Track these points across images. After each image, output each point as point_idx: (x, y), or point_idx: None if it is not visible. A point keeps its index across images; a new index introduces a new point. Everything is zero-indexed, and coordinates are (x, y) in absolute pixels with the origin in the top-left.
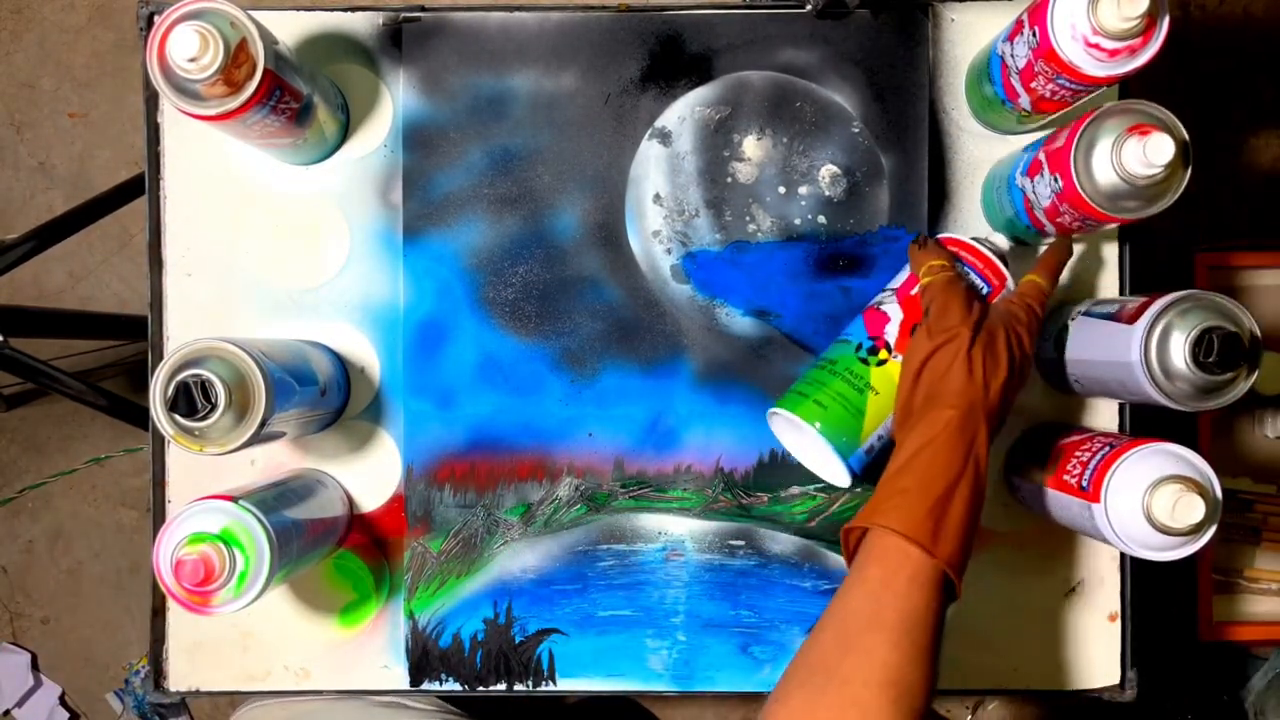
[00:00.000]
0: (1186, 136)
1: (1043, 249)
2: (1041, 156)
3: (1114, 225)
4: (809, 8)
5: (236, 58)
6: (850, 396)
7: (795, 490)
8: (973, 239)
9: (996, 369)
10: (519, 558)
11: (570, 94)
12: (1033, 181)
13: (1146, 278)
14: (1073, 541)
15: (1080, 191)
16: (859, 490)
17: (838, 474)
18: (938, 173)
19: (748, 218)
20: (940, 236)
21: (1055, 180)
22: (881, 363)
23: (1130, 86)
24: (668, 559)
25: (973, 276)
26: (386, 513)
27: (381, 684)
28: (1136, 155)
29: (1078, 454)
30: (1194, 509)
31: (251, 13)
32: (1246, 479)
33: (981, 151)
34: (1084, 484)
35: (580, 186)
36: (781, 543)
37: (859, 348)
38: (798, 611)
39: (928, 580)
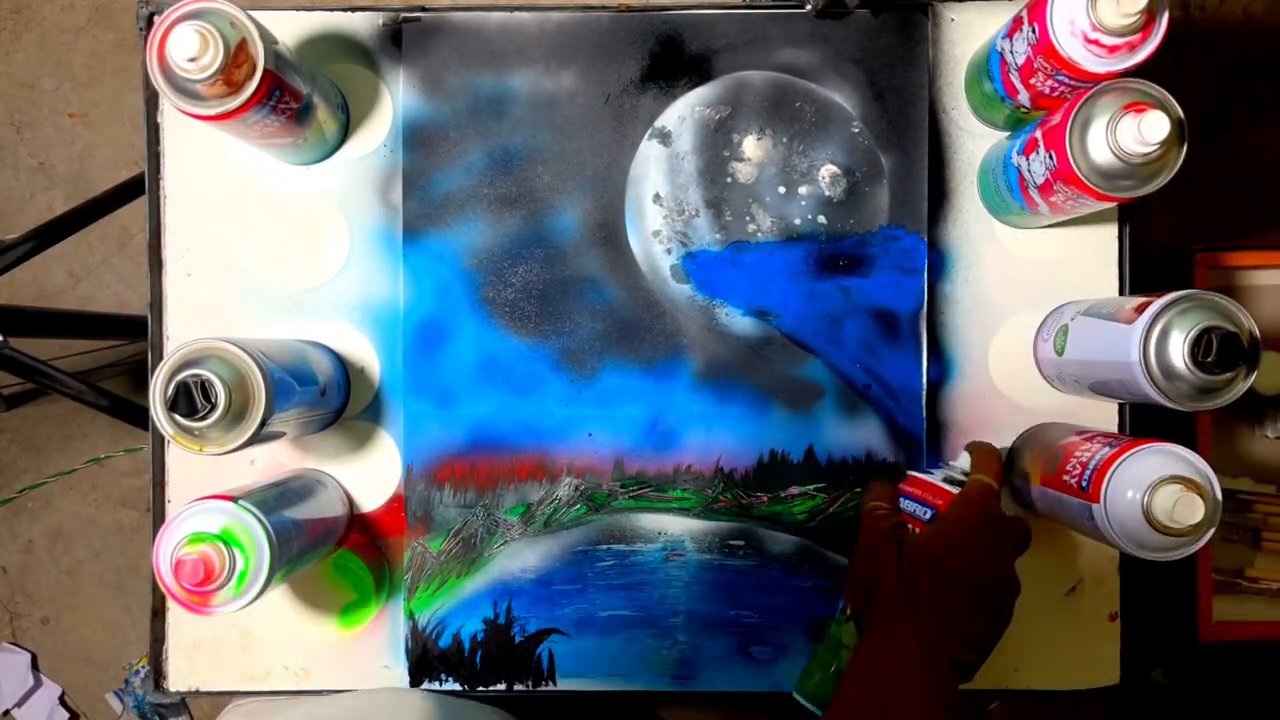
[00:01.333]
0: (1182, 114)
1: (964, 459)
2: (1038, 135)
3: (1110, 211)
4: (809, 8)
5: (236, 58)
6: (827, 659)
7: (795, 490)
8: (928, 469)
9: (914, 577)
10: (519, 558)
11: (570, 94)
12: (1028, 160)
13: (1145, 278)
14: (1073, 541)
15: (1075, 169)
16: (859, 490)
17: None
18: (937, 172)
19: (748, 218)
20: (910, 474)
21: (1050, 158)
22: (849, 619)
23: None
24: (668, 559)
25: (910, 505)
26: (386, 513)
27: (381, 684)
28: (1131, 133)
29: (1078, 454)
30: (1194, 509)
31: (251, 13)
32: (1246, 479)
33: (981, 150)
34: (1084, 484)
35: (580, 186)
36: (781, 543)
37: (837, 612)
38: (798, 611)
39: None
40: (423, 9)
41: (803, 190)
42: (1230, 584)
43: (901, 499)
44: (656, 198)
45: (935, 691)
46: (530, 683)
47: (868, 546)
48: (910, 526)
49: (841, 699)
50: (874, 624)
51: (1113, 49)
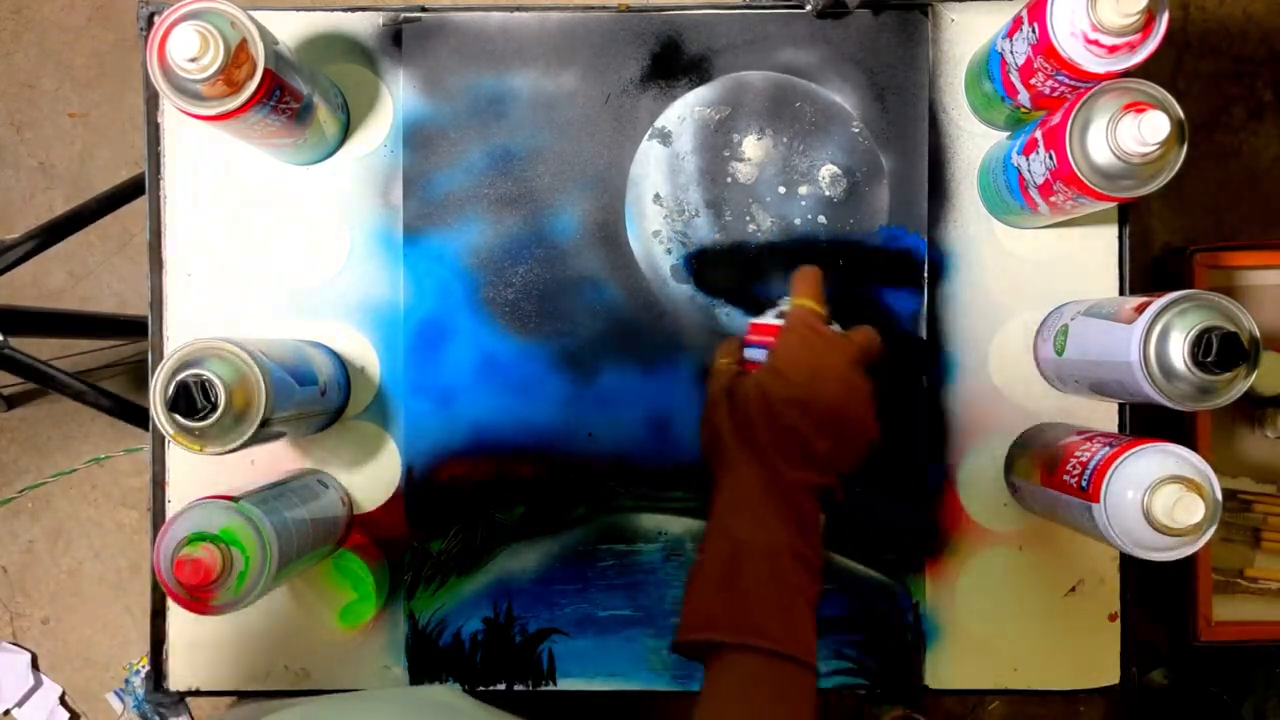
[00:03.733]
0: (1182, 114)
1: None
2: (1037, 135)
3: (1110, 212)
4: (809, 8)
5: (237, 58)
6: None
7: None
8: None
9: (746, 417)
10: (519, 558)
11: (570, 94)
12: (1028, 160)
13: (1145, 278)
14: (1073, 541)
15: (1075, 169)
16: (858, 490)
17: None
18: (938, 172)
19: (748, 218)
20: (750, 322)
21: (1050, 158)
22: None
23: None
24: (667, 559)
25: (751, 352)
26: (386, 513)
27: (381, 684)
28: (1131, 133)
29: (1078, 454)
30: (1194, 509)
31: (251, 13)
32: (1246, 479)
33: (981, 150)
34: (1084, 484)
35: (580, 186)
36: None
37: None
38: None
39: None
40: (423, 9)
41: (803, 190)
42: (1230, 584)
43: (745, 350)
44: (656, 198)
45: (790, 530)
46: (530, 682)
47: (708, 404)
48: (749, 372)
49: (700, 561)
50: (721, 476)
51: (1113, 49)
